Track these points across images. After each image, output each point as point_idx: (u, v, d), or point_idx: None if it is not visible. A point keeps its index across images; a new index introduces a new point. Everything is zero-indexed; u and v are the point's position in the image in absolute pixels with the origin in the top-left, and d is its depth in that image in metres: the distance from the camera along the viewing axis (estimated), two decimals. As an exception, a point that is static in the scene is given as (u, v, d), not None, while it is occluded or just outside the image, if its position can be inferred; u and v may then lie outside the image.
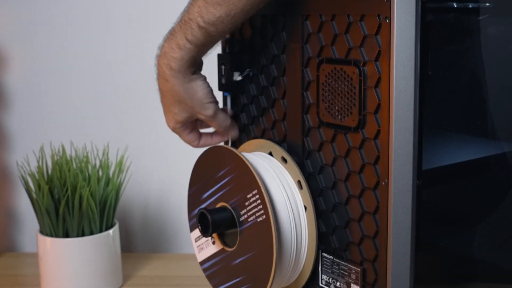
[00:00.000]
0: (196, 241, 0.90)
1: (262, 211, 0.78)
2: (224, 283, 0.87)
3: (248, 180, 0.79)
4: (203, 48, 0.80)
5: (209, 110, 0.85)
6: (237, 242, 0.83)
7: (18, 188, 1.37)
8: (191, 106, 0.84)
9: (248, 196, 0.79)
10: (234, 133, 0.91)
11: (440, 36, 0.80)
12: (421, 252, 0.73)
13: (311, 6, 0.78)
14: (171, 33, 0.81)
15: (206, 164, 0.87)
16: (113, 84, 1.33)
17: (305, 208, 0.80)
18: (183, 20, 0.79)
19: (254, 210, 0.79)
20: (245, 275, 0.84)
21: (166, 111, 0.86)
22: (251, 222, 0.80)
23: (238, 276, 0.85)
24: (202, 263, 0.91)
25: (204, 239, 0.88)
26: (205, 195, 0.86)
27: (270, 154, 0.85)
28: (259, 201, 0.78)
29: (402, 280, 0.72)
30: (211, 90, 0.85)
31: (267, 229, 0.78)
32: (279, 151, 0.84)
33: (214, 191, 0.84)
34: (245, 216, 0.80)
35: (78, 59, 1.33)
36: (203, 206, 0.86)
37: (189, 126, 0.88)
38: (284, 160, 0.83)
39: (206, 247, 0.89)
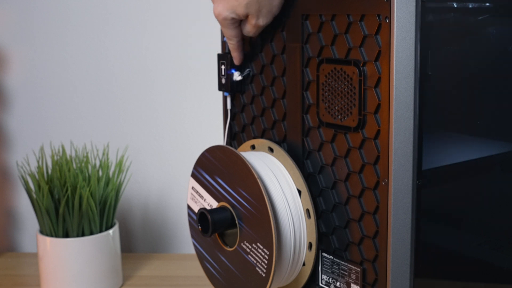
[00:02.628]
0: (192, 189, 0.90)
1: (265, 270, 0.79)
2: (206, 253, 0.88)
3: (266, 235, 0.78)
4: None
5: (266, 21, 0.82)
6: (232, 252, 0.84)
7: (18, 188, 1.37)
8: (260, 6, 0.81)
9: (260, 245, 0.79)
10: (241, 57, 0.89)
11: (440, 36, 0.80)
12: (421, 252, 0.73)
13: (311, 6, 0.78)
14: None
15: (232, 162, 0.83)
16: (113, 84, 1.33)
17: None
18: None
19: (258, 258, 0.80)
20: (230, 277, 0.85)
21: None
22: (251, 261, 0.81)
23: (225, 270, 0.85)
24: (189, 208, 0.91)
25: (199, 196, 0.88)
26: (219, 179, 0.85)
27: (271, 149, 0.85)
28: (265, 261, 0.79)
29: (402, 280, 0.72)
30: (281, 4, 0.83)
31: (262, 282, 0.79)
32: (278, 150, 0.84)
33: (228, 190, 0.83)
34: (248, 249, 0.81)
35: (78, 59, 1.33)
36: (211, 186, 0.86)
37: (237, 23, 0.84)
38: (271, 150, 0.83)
39: (197, 205, 0.89)
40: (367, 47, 0.71)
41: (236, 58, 0.88)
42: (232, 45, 0.86)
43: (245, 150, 0.90)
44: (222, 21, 0.83)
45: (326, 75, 0.77)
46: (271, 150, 0.85)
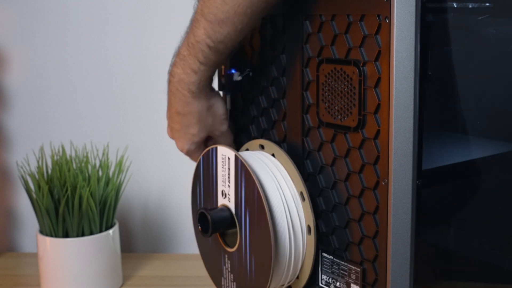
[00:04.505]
0: None
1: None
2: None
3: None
4: (216, 66, 0.80)
5: (225, 125, 0.87)
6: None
7: (18, 188, 1.36)
8: (212, 124, 0.85)
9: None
10: (230, 143, 0.91)
11: (440, 36, 0.80)
12: (421, 252, 0.73)
13: (311, 6, 0.78)
14: (180, 58, 0.80)
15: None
16: (113, 84, 1.33)
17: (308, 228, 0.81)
18: (190, 44, 0.78)
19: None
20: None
21: (182, 134, 0.85)
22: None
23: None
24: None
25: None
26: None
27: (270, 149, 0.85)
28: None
29: (402, 280, 0.72)
30: (226, 106, 0.87)
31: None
32: (279, 152, 0.84)
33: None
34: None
35: (78, 59, 1.33)
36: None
37: (202, 146, 0.87)
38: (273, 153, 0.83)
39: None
40: (367, 47, 0.71)
41: None
42: None
43: (251, 149, 0.90)
44: (187, 153, 0.87)
45: (326, 75, 0.77)
46: (271, 150, 0.85)
